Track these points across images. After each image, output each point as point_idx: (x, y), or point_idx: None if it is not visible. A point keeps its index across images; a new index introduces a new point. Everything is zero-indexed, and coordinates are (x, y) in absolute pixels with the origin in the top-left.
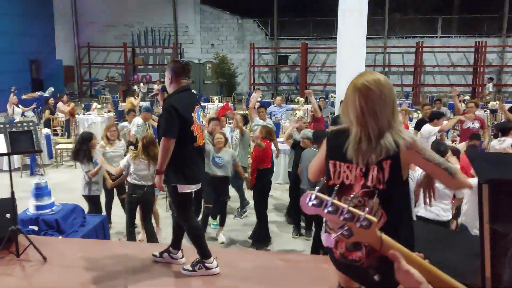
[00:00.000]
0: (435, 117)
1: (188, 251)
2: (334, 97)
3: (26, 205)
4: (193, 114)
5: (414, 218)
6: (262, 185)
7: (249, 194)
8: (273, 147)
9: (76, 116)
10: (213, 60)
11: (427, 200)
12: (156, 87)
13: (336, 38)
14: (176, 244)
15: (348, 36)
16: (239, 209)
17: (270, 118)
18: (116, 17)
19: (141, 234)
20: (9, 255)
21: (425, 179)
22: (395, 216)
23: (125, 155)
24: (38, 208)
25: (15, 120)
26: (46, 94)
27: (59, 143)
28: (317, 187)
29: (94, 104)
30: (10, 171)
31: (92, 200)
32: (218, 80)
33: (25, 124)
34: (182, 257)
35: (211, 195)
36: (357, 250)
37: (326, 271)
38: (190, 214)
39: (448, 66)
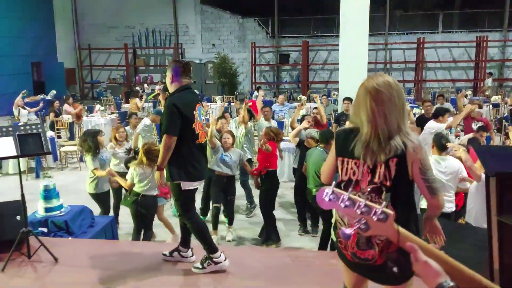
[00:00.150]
0: (439, 113)
1: (198, 249)
2: (337, 95)
3: (33, 208)
4: (194, 112)
5: (418, 212)
6: (270, 185)
7: (255, 192)
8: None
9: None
10: (214, 60)
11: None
12: (157, 87)
13: (337, 35)
14: (185, 242)
15: (351, 33)
16: (248, 205)
17: (273, 118)
18: (117, 18)
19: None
20: (20, 257)
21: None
22: (402, 212)
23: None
24: (47, 210)
25: (20, 123)
26: (48, 97)
27: (64, 146)
28: (334, 182)
29: (97, 106)
30: (20, 173)
31: (99, 198)
32: (220, 79)
33: (33, 126)
34: (192, 255)
35: (220, 194)
36: (369, 248)
37: (335, 267)
38: (192, 211)
39: (449, 61)
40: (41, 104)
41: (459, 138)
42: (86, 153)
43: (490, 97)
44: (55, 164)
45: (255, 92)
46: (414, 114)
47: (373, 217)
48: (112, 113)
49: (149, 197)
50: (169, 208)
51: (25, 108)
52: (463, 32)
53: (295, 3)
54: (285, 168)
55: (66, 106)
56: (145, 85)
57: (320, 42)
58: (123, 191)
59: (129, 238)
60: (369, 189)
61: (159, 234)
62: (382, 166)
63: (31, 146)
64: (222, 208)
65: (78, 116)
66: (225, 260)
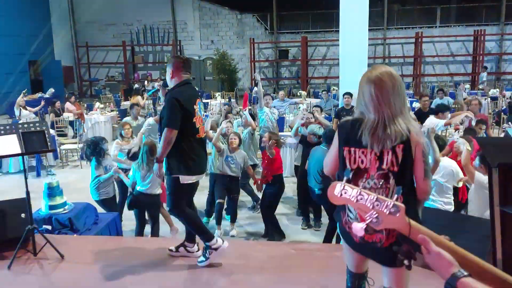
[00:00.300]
0: (440, 110)
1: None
2: (336, 90)
3: (36, 206)
4: (194, 106)
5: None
6: (276, 190)
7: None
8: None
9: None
10: (213, 56)
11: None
12: (157, 84)
13: (336, 30)
14: (190, 237)
15: (350, 28)
16: (254, 203)
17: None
18: (114, 15)
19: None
20: (26, 254)
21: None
22: (405, 195)
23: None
24: (51, 207)
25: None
26: (46, 95)
27: (64, 144)
28: (345, 178)
29: (97, 104)
30: (25, 171)
31: (105, 204)
32: (219, 76)
33: (37, 124)
34: (198, 250)
35: (223, 191)
36: (377, 232)
37: (339, 259)
38: (183, 205)
39: (447, 55)
40: (42, 103)
41: (458, 132)
42: (89, 161)
43: (488, 91)
44: (56, 162)
45: (255, 88)
46: (413, 108)
47: (385, 210)
48: (112, 110)
49: (153, 196)
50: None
51: (26, 109)
52: (460, 26)
53: None
54: (286, 163)
55: (68, 104)
56: (146, 82)
57: (319, 37)
58: (129, 189)
59: (133, 234)
60: (377, 175)
61: (163, 228)
62: (389, 153)
63: (35, 143)
64: (225, 206)
65: (81, 115)
66: (223, 242)
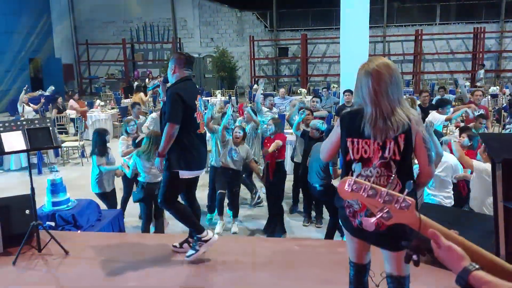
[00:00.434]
0: (440, 105)
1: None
2: (336, 87)
3: (38, 203)
4: (196, 102)
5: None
6: (278, 178)
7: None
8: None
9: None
10: (213, 54)
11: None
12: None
13: (335, 28)
14: (197, 229)
15: (351, 26)
16: (254, 195)
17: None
18: (114, 13)
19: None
20: (30, 250)
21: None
22: (405, 181)
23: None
24: (54, 204)
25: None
26: (46, 93)
27: (65, 141)
28: (355, 173)
29: (98, 102)
30: (30, 167)
31: (105, 197)
32: (219, 74)
33: (42, 120)
34: (213, 234)
35: (225, 183)
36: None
37: (343, 255)
38: (175, 199)
39: (447, 53)
40: (42, 100)
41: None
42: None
43: (488, 88)
44: (57, 159)
45: (255, 85)
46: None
47: (396, 205)
48: (112, 108)
49: (156, 184)
50: None
51: (29, 105)
52: (460, 24)
53: None
54: (287, 160)
55: (72, 102)
56: (147, 80)
57: (318, 35)
58: (134, 186)
59: (136, 231)
60: (379, 164)
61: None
62: (392, 142)
63: (40, 140)
64: (227, 201)
65: (84, 114)
66: (213, 235)
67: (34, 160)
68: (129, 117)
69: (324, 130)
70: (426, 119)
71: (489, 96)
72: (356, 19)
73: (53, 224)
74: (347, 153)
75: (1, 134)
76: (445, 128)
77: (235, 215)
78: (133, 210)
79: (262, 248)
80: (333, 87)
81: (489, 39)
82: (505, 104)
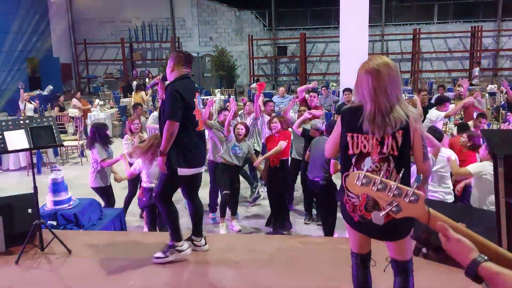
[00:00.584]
0: (439, 102)
1: (210, 238)
2: (335, 86)
3: (39, 202)
4: (194, 100)
5: None
6: (283, 176)
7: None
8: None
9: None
10: (212, 53)
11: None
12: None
13: (334, 27)
14: (197, 231)
15: (351, 25)
16: (254, 189)
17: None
18: (113, 12)
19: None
20: (33, 249)
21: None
22: (405, 178)
23: None
24: (55, 203)
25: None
26: (45, 93)
27: (65, 141)
28: (366, 167)
29: (97, 101)
30: (32, 166)
31: (102, 191)
32: (218, 73)
33: (44, 119)
34: (205, 244)
35: (227, 182)
36: (375, 210)
37: (347, 252)
38: (170, 197)
39: (445, 51)
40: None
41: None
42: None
43: (485, 86)
44: (56, 159)
45: (254, 84)
46: None
47: (405, 199)
48: (112, 107)
49: None
50: None
51: (31, 103)
52: (458, 23)
53: None
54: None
55: (74, 101)
56: (147, 79)
57: (317, 34)
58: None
59: (138, 230)
60: (378, 159)
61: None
62: (390, 138)
63: (43, 138)
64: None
65: (86, 113)
66: (187, 248)
67: (34, 159)
68: (133, 116)
69: (325, 126)
70: (427, 117)
71: (487, 95)
72: (356, 18)
73: (54, 223)
74: (347, 148)
75: (4, 132)
76: (445, 126)
77: (234, 212)
78: (134, 209)
79: (265, 246)
80: (332, 85)
81: (487, 38)
82: (503, 102)
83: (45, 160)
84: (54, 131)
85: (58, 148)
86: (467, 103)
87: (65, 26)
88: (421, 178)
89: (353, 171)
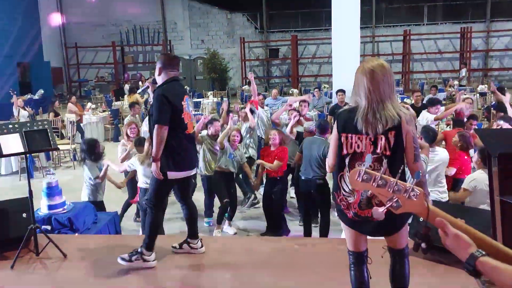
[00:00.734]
0: (430, 104)
1: (206, 240)
2: (327, 87)
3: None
4: (182, 103)
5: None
6: (282, 186)
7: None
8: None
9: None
10: (204, 55)
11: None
12: (147, 82)
13: (325, 29)
14: (192, 233)
15: (342, 27)
16: (247, 199)
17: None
18: (103, 16)
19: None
20: (28, 254)
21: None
22: (402, 176)
23: None
24: (50, 207)
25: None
26: (36, 97)
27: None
28: (366, 164)
29: (89, 104)
30: (28, 170)
31: (96, 206)
32: (210, 75)
33: (39, 122)
34: (202, 246)
35: (225, 189)
36: (369, 208)
37: (343, 253)
38: (163, 202)
39: (435, 52)
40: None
41: (450, 127)
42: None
43: (476, 87)
44: (48, 163)
45: (246, 86)
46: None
47: (405, 194)
48: (104, 111)
49: None
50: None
51: (25, 109)
52: (447, 24)
53: None
54: None
55: (70, 105)
56: (140, 82)
57: (308, 36)
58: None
59: (132, 234)
60: (372, 159)
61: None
62: (383, 138)
63: (38, 142)
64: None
65: (80, 117)
66: (153, 261)
67: (24, 164)
68: (129, 120)
69: (316, 126)
70: (418, 120)
71: (478, 95)
72: (347, 20)
73: (49, 227)
74: (341, 148)
75: None
76: (437, 127)
77: (232, 217)
78: (128, 213)
79: (262, 248)
80: (324, 87)
81: (476, 39)
82: (493, 102)
83: (37, 165)
84: (49, 134)
85: (50, 152)
86: (458, 109)
87: (56, 30)
88: (420, 174)
89: (348, 171)
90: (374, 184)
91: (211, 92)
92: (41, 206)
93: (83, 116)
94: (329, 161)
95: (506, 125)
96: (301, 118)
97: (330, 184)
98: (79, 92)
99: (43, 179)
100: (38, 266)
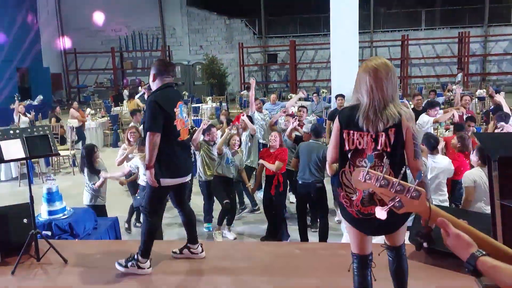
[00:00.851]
0: (429, 106)
1: (206, 245)
2: (326, 92)
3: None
4: (175, 109)
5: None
6: (283, 189)
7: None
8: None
9: (70, 121)
10: (202, 61)
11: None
12: (143, 88)
13: (323, 34)
14: (192, 238)
15: (341, 32)
16: (241, 209)
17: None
18: (102, 22)
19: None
20: (29, 260)
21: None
22: (397, 172)
23: None
24: (50, 213)
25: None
26: (35, 103)
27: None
28: (369, 164)
29: (88, 110)
30: (29, 176)
31: (97, 210)
32: (209, 81)
33: (40, 128)
34: (202, 251)
35: (224, 192)
36: (371, 204)
37: (345, 257)
38: (158, 210)
39: (433, 57)
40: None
41: (448, 131)
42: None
43: (474, 91)
44: (48, 169)
45: (244, 91)
46: None
47: (407, 195)
48: (103, 116)
49: None
50: None
51: (26, 115)
52: (445, 29)
53: (281, 3)
54: None
55: (72, 111)
56: (139, 87)
57: (307, 41)
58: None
59: (132, 239)
60: (373, 155)
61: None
62: (383, 135)
63: (39, 147)
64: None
65: (84, 123)
66: (149, 267)
67: (24, 170)
68: (130, 125)
69: (310, 130)
70: (417, 122)
71: (476, 99)
72: (346, 25)
73: (49, 233)
74: (343, 145)
75: (0, 142)
76: (436, 131)
77: (231, 222)
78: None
79: (262, 253)
80: (323, 92)
81: (474, 43)
82: (492, 106)
83: (37, 171)
84: (50, 140)
85: (50, 158)
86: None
87: (55, 36)
88: (422, 174)
89: (349, 167)
90: (376, 184)
91: (210, 97)
92: (41, 212)
93: (85, 122)
94: (329, 157)
95: (507, 127)
96: (299, 122)
97: (328, 187)
98: (78, 97)
99: (42, 185)
100: (39, 271)
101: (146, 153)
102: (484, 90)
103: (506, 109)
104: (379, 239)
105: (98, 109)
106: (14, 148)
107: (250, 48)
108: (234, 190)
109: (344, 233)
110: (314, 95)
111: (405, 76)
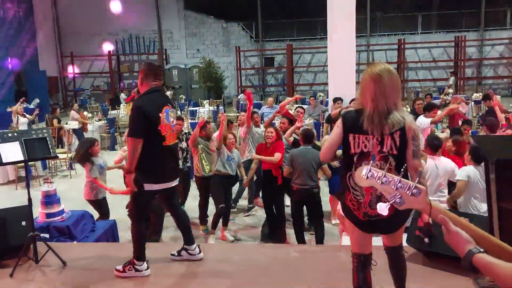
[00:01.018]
0: (427, 109)
1: (203, 248)
2: (322, 96)
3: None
4: (160, 114)
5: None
6: (280, 187)
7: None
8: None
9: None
10: (199, 64)
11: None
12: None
13: (320, 38)
14: (188, 240)
15: (338, 35)
16: (233, 205)
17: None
18: (99, 25)
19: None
20: (27, 262)
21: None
22: (404, 175)
23: None
24: (48, 215)
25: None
26: (31, 106)
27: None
28: (371, 162)
29: (85, 113)
30: (28, 178)
31: (98, 204)
32: (206, 84)
33: (39, 131)
34: (200, 251)
35: (222, 194)
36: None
37: (343, 260)
38: (143, 214)
39: (429, 61)
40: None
41: (446, 133)
42: (82, 164)
43: (470, 95)
44: (44, 172)
45: (241, 95)
46: None
47: (408, 192)
48: (100, 119)
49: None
50: None
51: (25, 116)
52: (441, 33)
53: (278, 7)
54: None
55: (73, 113)
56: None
57: (303, 45)
58: None
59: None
60: (378, 158)
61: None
62: (389, 138)
63: (38, 150)
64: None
65: (85, 125)
66: (147, 269)
67: (22, 173)
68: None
69: (301, 135)
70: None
71: (472, 103)
72: (343, 29)
73: (47, 236)
74: (348, 148)
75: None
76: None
77: (226, 223)
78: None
79: (261, 255)
80: (320, 95)
81: (470, 47)
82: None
83: (34, 174)
84: (49, 142)
85: (47, 161)
86: (452, 109)
87: (52, 39)
88: (422, 172)
89: (356, 170)
90: (378, 181)
91: (207, 100)
92: (39, 215)
93: (87, 124)
94: (324, 157)
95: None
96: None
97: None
98: (75, 101)
99: (39, 187)
100: (38, 274)
101: (127, 157)
102: (480, 93)
103: (500, 116)
104: (379, 240)
105: (95, 113)
106: (13, 151)
107: (247, 52)
108: (231, 190)
109: (342, 236)
110: (311, 98)
111: (402, 80)
